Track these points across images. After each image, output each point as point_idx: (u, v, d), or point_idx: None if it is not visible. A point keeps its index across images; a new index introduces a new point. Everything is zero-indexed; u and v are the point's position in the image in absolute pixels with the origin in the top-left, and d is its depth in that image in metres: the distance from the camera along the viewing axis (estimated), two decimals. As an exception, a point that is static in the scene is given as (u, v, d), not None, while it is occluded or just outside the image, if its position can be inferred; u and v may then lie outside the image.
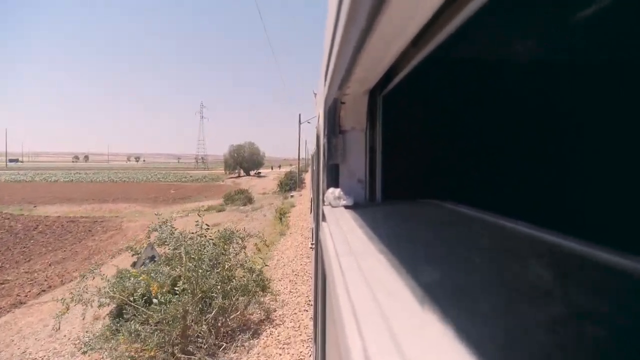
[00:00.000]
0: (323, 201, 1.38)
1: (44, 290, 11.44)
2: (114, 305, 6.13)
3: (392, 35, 0.61)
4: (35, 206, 29.22)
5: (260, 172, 71.32)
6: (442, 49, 0.72)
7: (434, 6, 0.49)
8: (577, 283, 0.49)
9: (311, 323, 5.36)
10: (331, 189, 1.32)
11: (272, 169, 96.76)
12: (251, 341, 5.63)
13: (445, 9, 0.54)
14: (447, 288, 0.47)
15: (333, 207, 1.27)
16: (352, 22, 0.59)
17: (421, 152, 1.57)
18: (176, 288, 5.35)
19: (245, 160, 67.56)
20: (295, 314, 6.58)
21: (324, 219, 1.19)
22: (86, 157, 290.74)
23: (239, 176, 66.28)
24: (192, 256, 5.66)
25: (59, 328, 6.27)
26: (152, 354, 4.83)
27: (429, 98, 1.58)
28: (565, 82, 1.56)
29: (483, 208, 1.09)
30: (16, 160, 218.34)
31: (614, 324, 0.37)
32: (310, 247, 7.28)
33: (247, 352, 5.36)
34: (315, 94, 2.84)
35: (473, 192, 1.54)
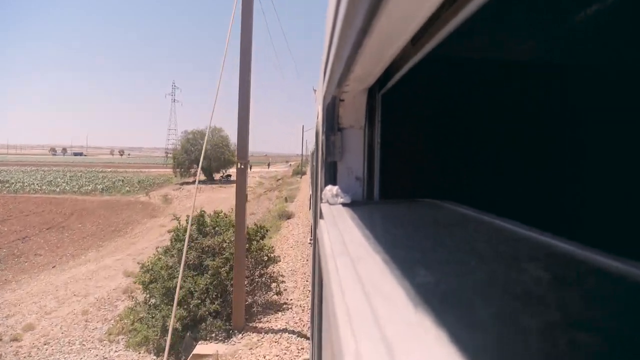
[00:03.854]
0: (321, 199, 1.38)
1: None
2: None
3: (390, 33, 0.60)
4: None
5: (229, 175, 44.32)
6: (441, 48, 0.72)
7: (433, 5, 0.48)
8: (575, 288, 0.49)
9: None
10: (329, 187, 1.32)
11: (250, 168, 63.29)
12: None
13: (444, 8, 0.53)
14: (442, 291, 0.47)
15: (331, 204, 1.27)
16: (350, 20, 0.59)
17: (420, 150, 1.57)
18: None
19: (207, 156, 38.63)
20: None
21: (321, 216, 1.19)
22: (64, 150, 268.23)
23: (195, 181, 32.85)
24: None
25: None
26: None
27: (428, 96, 1.57)
28: (565, 82, 1.55)
29: (481, 208, 1.09)
30: (80, 154, 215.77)
31: (612, 331, 0.37)
32: (309, 243, 7.31)
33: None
34: (315, 91, 2.84)
35: (471, 191, 1.54)
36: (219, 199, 27.40)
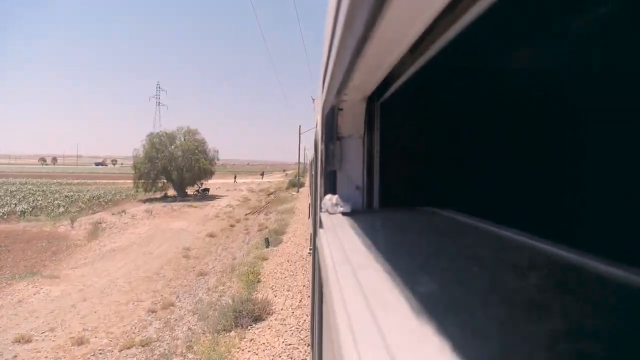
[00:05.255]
0: (320, 208, 1.37)
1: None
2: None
3: (389, 43, 0.61)
4: None
5: (207, 190, 35.25)
6: (439, 56, 0.72)
7: (432, 14, 0.49)
8: (576, 296, 0.48)
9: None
10: (329, 196, 1.31)
11: (234, 179, 53.72)
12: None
13: (443, 17, 0.53)
14: (444, 300, 0.46)
15: (330, 213, 1.26)
16: (349, 30, 0.59)
17: (419, 159, 1.56)
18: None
19: (177, 166, 31.46)
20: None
21: (321, 225, 1.18)
22: (54, 160, 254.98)
23: (166, 196, 31.51)
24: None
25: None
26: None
27: (427, 105, 1.58)
28: (564, 90, 1.56)
29: (481, 216, 1.08)
30: (101, 164, 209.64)
31: (614, 339, 0.37)
32: (308, 253, 7.25)
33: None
34: (314, 99, 2.85)
35: (471, 199, 1.53)
36: (168, 233, 17.55)
